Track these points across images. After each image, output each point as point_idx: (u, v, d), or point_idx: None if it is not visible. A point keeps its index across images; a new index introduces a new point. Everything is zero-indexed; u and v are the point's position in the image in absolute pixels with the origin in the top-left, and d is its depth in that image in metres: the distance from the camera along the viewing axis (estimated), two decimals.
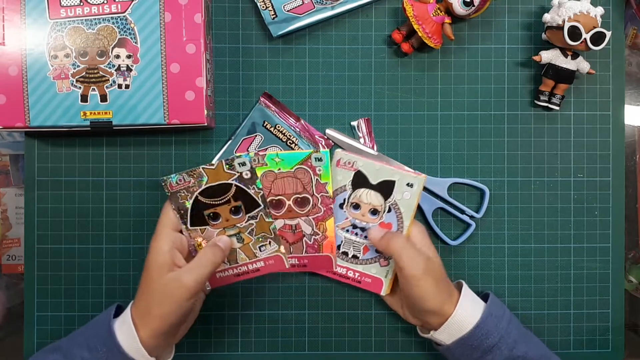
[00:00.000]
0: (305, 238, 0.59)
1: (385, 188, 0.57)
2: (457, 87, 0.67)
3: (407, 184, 0.56)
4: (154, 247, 0.55)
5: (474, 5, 0.61)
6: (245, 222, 0.57)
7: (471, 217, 0.66)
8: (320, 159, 0.55)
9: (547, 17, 0.62)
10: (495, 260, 0.67)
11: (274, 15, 0.64)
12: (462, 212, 0.66)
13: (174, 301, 0.53)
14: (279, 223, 0.59)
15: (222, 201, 0.56)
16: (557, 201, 0.67)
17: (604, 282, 0.67)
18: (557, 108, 0.65)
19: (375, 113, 0.66)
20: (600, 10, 0.61)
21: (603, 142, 0.67)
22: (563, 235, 0.67)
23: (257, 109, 0.65)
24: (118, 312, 0.57)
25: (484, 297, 0.59)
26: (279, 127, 0.65)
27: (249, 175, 0.55)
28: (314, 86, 0.66)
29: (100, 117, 0.59)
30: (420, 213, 0.66)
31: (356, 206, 0.59)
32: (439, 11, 0.62)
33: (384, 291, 0.62)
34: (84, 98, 0.59)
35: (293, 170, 0.57)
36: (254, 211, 0.57)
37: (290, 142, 0.65)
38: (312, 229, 0.58)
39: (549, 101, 0.65)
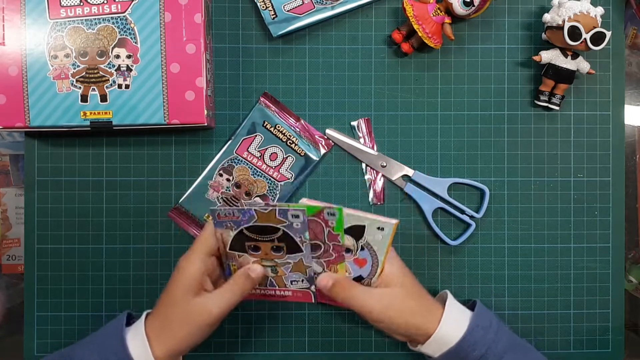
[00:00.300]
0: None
1: (356, 232, 0.56)
2: (457, 87, 0.67)
3: (378, 228, 0.56)
4: (185, 268, 0.54)
5: (474, 5, 0.61)
6: (284, 260, 0.57)
7: (471, 217, 0.66)
8: (333, 214, 0.55)
9: (547, 17, 0.62)
10: (495, 260, 0.66)
11: (274, 15, 0.64)
12: (462, 212, 0.66)
13: (196, 326, 0.52)
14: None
15: (266, 239, 0.55)
16: (557, 201, 0.67)
17: (604, 282, 0.67)
18: (557, 108, 0.65)
19: (375, 113, 0.66)
20: (600, 10, 0.61)
21: (603, 142, 0.67)
22: (563, 235, 0.67)
23: (257, 109, 0.65)
24: (129, 319, 0.56)
25: (472, 305, 0.59)
26: (279, 127, 0.65)
27: (299, 226, 0.54)
28: (314, 86, 0.66)
29: (100, 117, 0.59)
30: (420, 213, 0.66)
31: None
32: (439, 11, 0.62)
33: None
34: (84, 98, 0.59)
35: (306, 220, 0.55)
36: (295, 254, 0.56)
37: (290, 142, 0.65)
38: (324, 269, 0.57)
39: (549, 101, 0.65)
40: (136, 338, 0.53)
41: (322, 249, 0.56)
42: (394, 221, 0.55)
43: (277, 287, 0.59)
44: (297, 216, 0.53)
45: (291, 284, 0.58)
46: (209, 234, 0.55)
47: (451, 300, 0.58)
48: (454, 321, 0.56)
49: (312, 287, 0.58)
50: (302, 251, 0.56)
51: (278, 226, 0.54)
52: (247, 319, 0.66)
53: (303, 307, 0.66)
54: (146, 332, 0.53)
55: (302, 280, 0.58)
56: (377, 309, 0.55)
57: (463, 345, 0.55)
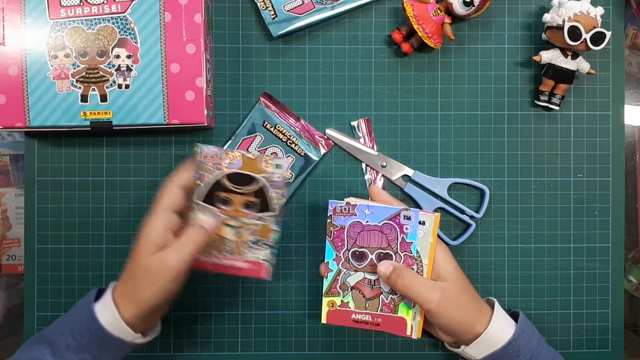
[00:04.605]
0: (382, 295, 0.57)
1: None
2: (457, 87, 0.67)
3: (420, 222, 0.55)
4: (148, 226, 0.54)
5: (474, 5, 0.61)
6: (251, 220, 0.56)
7: (471, 217, 0.66)
8: (409, 217, 0.54)
9: (547, 17, 0.62)
10: (495, 260, 0.67)
11: (274, 15, 0.64)
12: (462, 212, 0.66)
13: (157, 283, 0.52)
14: (358, 276, 0.57)
15: (242, 191, 0.56)
16: (557, 201, 0.67)
17: (604, 282, 0.67)
18: (557, 108, 0.65)
19: (375, 113, 0.66)
20: (600, 10, 0.61)
21: (603, 142, 0.67)
22: (563, 235, 0.67)
23: (257, 109, 0.65)
24: (99, 296, 0.56)
25: (512, 315, 0.60)
26: (279, 127, 0.65)
27: (279, 180, 0.54)
28: (314, 86, 0.66)
29: (100, 117, 0.59)
30: None
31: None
32: (439, 11, 0.62)
33: (414, 334, 0.57)
34: (84, 98, 0.59)
35: (380, 224, 0.56)
36: (266, 214, 0.56)
37: (290, 142, 0.65)
38: (390, 288, 0.57)
39: (549, 101, 0.65)
40: (104, 308, 0.53)
41: (393, 259, 0.55)
42: (436, 214, 0.56)
43: (233, 256, 0.57)
44: (279, 167, 0.55)
45: (251, 251, 0.57)
46: (172, 188, 0.55)
47: (498, 305, 0.59)
48: (502, 324, 0.57)
49: (269, 256, 0.57)
50: (274, 211, 0.56)
51: (259, 176, 0.55)
52: (247, 319, 0.66)
53: (303, 307, 0.66)
54: (113, 298, 0.53)
55: (264, 248, 0.57)
56: (436, 299, 0.54)
57: (509, 349, 0.55)
